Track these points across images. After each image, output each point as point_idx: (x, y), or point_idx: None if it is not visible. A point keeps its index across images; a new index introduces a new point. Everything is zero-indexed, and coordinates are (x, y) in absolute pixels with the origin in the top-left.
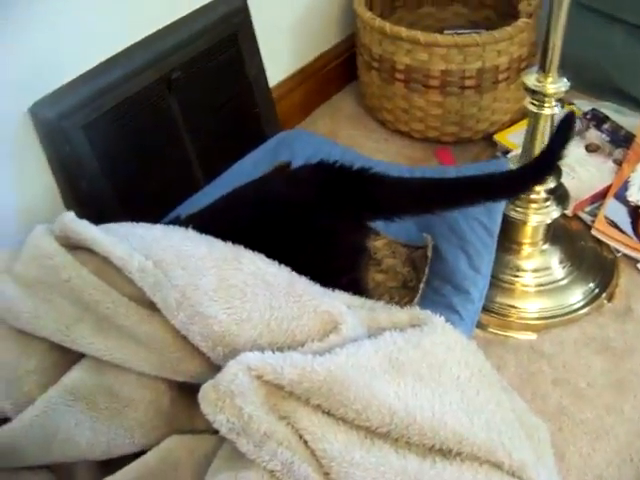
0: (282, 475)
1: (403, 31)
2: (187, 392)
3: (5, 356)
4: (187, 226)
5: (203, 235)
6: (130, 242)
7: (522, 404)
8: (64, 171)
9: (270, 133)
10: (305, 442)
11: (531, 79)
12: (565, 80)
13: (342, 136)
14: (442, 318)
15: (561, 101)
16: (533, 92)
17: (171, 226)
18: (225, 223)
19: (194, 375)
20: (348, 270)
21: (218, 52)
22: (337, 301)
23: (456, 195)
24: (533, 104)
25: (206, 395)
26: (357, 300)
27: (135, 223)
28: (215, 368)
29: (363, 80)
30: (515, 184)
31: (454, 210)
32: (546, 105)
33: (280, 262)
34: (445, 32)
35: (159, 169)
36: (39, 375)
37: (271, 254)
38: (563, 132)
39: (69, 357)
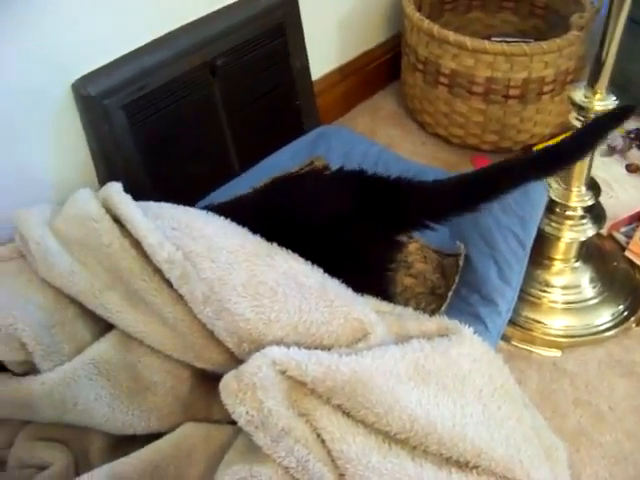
0: (296, 472)
1: (451, 35)
2: (207, 380)
3: (40, 300)
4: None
5: (239, 227)
6: (164, 227)
7: (542, 422)
8: (101, 148)
9: (309, 126)
10: (323, 441)
11: (578, 94)
12: (613, 98)
13: (380, 135)
14: (471, 329)
15: None
16: (579, 107)
17: (208, 214)
18: (256, 219)
19: (216, 364)
20: (376, 285)
21: (264, 41)
22: (368, 308)
23: (493, 185)
24: (578, 120)
25: (228, 385)
26: (386, 306)
27: (173, 205)
28: (237, 360)
29: (406, 81)
30: (549, 162)
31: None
32: None
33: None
34: (492, 39)
35: (196, 154)
36: (73, 326)
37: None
38: (615, 118)
39: (99, 323)
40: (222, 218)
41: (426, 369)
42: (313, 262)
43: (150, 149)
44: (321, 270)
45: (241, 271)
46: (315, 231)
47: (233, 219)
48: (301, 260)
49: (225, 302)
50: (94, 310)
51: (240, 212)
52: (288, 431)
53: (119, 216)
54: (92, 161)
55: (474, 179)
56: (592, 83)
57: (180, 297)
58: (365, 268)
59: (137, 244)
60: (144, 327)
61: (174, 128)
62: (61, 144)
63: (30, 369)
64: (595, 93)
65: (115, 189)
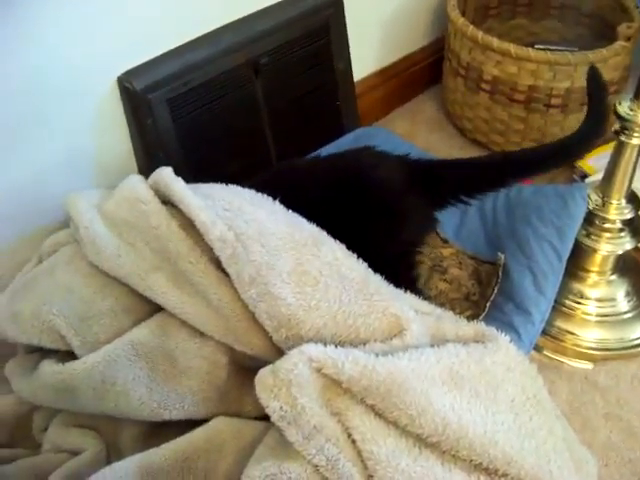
0: (326, 471)
1: (495, 41)
2: (242, 371)
3: (82, 292)
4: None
5: (290, 212)
6: (216, 207)
7: (573, 434)
8: (143, 141)
9: (349, 127)
10: (353, 442)
11: (623, 106)
12: None
13: (419, 139)
14: (507, 337)
15: None
16: (623, 120)
17: (257, 195)
18: (306, 184)
19: (254, 348)
20: (402, 259)
21: (308, 42)
22: (406, 306)
23: (524, 166)
24: (622, 132)
25: (263, 380)
26: (427, 306)
27: (223, 186)
28: (275, 347)
29: (447, 86)
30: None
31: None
32: (635, 135)
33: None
34: (535, 46)
35: (236, 150)
36: (110, 318)
37: (344, 219)
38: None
39: (140, 309)
40: (270, 201)
41: (460, 374)
42: (357, 221)
43: (191, 144)
44: (365, 264)
45: (288, 258)
46: (367, 194)
47: (293, 182)
48: (347, 252)
49: (270, 286)
50: (141, 292)
51: (300, 175)
52: (320, 429)
53: (170, 197)
54: (133, 153)
55: (507, 158)
56: (638, 95)
57: (226, 280)
58: (400, 239)
59: (185, 226)
60: (189, 308)
61: (215, 124)
62: (105, 135)
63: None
64: None
65: (166, 172)
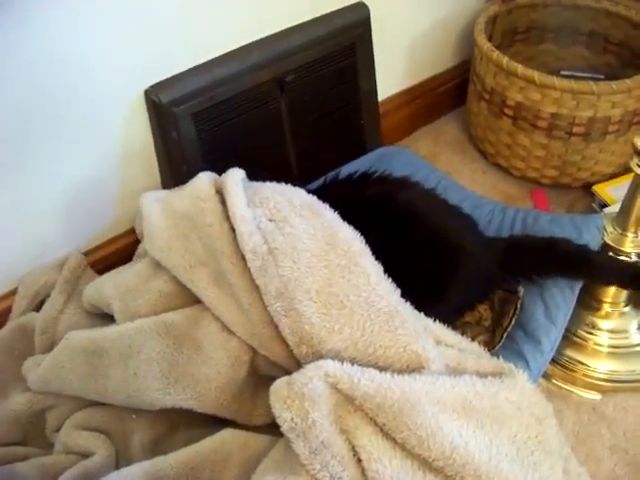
0: None
1: (520, 68)
2: (261, 376)
3: (138, 270)
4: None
5: (341, 224)
6: (263, 216)
7: (580, 469)
8: (167, 153)
9: (371, 146)
10: (359, 461)
11: None
12: None
13: (441, 160)
14: (524, 375)
15: None
16: None
17: (316, 204)
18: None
19: (276, 356)
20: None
21: (334, 61)
22: (429, 342)
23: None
24: (639, 165)
25: (278, 390)
26: (453, 338)
27: (288, 188)
28: (296, 358)
29: (471, 109)
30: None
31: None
32: None
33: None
34: (562, 72)
35: (259, 166)
36: (155, 297)
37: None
38: None
39: (184, 297)
40: (326, 210)
41: (472, 405)
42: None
43: (214, 158)
44: (398, 292)
45: (318, 277)
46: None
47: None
48: (382, 277)
49: (296, 302)
50: (184, 283)
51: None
52: (327, 445)
53: (225, 200)
54: (157, 165)
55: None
56: None
57: (258, 287)
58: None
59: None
60: (223, 307)
61: (239, 139)
62: (131, 146)
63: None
64: None
65: (232, 175)
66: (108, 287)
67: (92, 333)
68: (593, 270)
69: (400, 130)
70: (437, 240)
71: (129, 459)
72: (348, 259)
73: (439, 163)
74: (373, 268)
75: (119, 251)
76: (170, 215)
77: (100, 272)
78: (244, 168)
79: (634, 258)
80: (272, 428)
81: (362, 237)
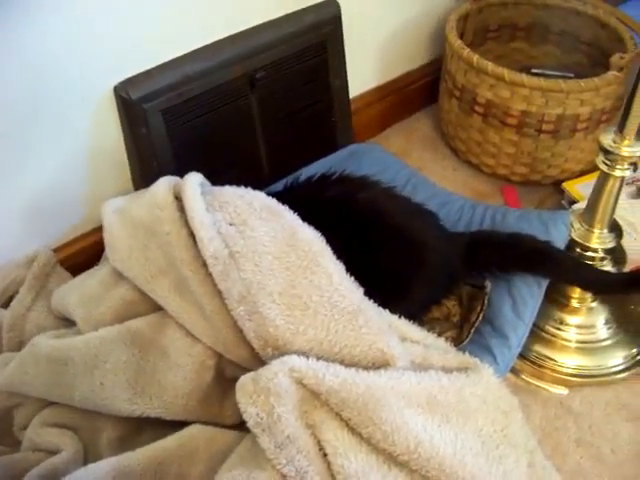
0: None
1: (490, 65)
2: (228, 379)
3: (101, 279)
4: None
5: (302, 225)
6: (223, 220)
7: (546, 462)
8: (137, 150)
9: (342, 143)
10: (325, 455)
11: (607, 138)
12: None
13: (413, 157)
14: (490, 369)
15: (634, 165)
16: (607, 152)
17: (276, 207)
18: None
19: (242, 360)
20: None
21: (305, 58)
22: (394, 340)
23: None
24: (605, 163)
25: (244, 386)
26: (419, 334)
27: (248, 192)
28: (262, 360)
29: (442, 106)
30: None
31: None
32: (618, 167)
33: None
34: (532, 70)
35: (229, 162)
36: (118, 304)
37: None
38: None
39: (147, 303)
40: (286, 212)
41: (437, 400)
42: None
43: (184, 154)
44: (361, 291)
45: (280, 279)
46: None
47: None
48: (344, 277)
49: (259, 305)
50: (146, 292)
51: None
52: (293, 440)
53: (184, 206)
54: (127, 161)
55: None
56: (622, 128)
57: (220, 293)
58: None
59: (194, 235)
60: (185, 314)
61: (209, 135)
62: (100, 142)
63: None
64: (624, 139)
65: (189, 180)
66: (72, 296)
67: (57, 342)
68: (555, 268)
69: (372, 127)
70: (399, 237)
71: (97, 456)
72: (309, 260)
73: (411, 160)
74: (335, 268)
75: (89, 248)
76: (129, 225)
77: (70, 269)
78: (214, 164)
79: (601, 254)
80: (241, 425)
81: (323, 237)
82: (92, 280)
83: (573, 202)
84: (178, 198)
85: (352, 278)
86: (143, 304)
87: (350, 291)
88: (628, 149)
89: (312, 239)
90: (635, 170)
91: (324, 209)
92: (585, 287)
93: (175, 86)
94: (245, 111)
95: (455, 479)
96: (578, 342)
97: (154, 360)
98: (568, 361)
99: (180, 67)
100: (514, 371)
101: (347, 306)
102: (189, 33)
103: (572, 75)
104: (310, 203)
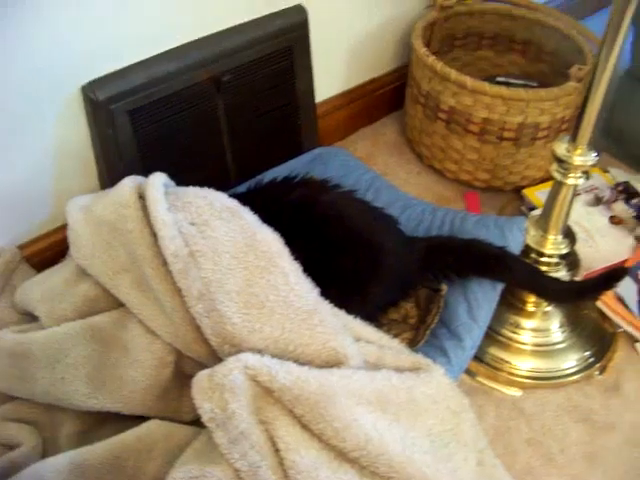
0: (246, 477)
1: (453, 73)
2: (186, 376)
3: (64, 275)
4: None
5: (261, 226)
6: (184, 220)
7: (496, 461)
8: (104, 150)
9: (307, 147)
10: (277, 450)
11: (561, 147)
12: (594, 154)
13: (378, 161)
14: (441, 370)
15: (587, 173)
16: (560, 160)
17: (236, 208)
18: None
19: (201, 356)
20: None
21: (271, 62)
22: (348, 339)
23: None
24: (558, 172)
25: (199, 382)
26: (373, 334)
27: (210, 192)
28: (220, 359)
29: (408, 112)
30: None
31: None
32: (570, 175)
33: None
34: (497, 79)
35: (195, 163)
36: (81, 301)
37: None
38: (606, 283)
39: (110, 301)
40: (246, 213)
41: (388, 399)
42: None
43: (151, 154)
44: (317, 291)
45: (238, 278)
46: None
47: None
48: (301, 277)
49: (217, 303)
50: (109, 290)
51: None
52: (246, 435)
53: (147, 206)
54: (95, 161)
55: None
56: (574, 138)
57: (180, 290)
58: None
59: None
60: (146, 311)
61: (176, 137)
62: (67, 141)
63: None
64: (576, 148)
65: (153, 181)
66: (35, 292)
67: (19, 336)
68: (510, 275)
69: (339, 131)
70: (357, 240)
71: (57, 450)
72: (267, 260)
73: (376, 164)
74: (291, 268)
75: (55, 245)
76: (94, 223)
77: (36, 265)
78: (180, 165)
79: (555, 259)
80: (199, 421)
81: (283, 239)
82: (56, 276)
83: (533, 208)
84: (142, 197)
85: (309, 279)
86: (105, 301)
87: (306, 291)
88: (580, 158)
89: (271, 240)
90: (587, 179)
91: (285, 212)
92: (538, 294)
93: (142, 88)
94: (211, 114)
95: (404, 475)
96: (533, 345)
97: (115, 355)
98: (523, 364)
99: (147, 69)
100: (470, 373)
101: (302, 305)
102: (157, 36)
103: (536, 84)
104: (272, 205)
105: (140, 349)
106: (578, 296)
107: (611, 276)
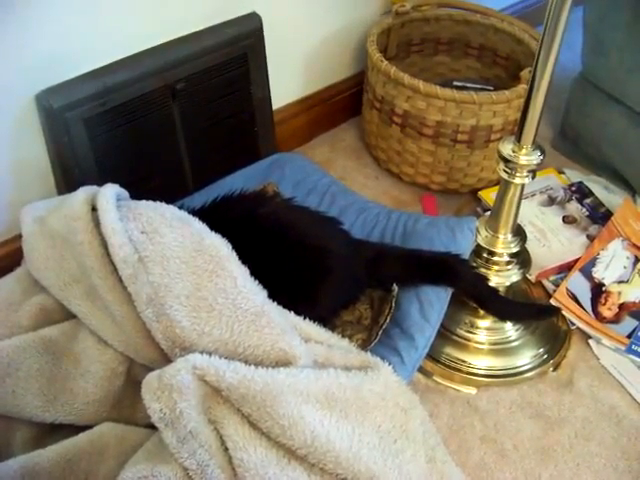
0: (195, 475)
1: (406, 78)
2: (139, 383)
3: (21, 285)
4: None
5: (208, 233)
6: (135, 229)
7: (447, 457)
8: (60, 158)
9: (265, 153)
10: (226, 449)
11: (506, 148)
12: (538, 153)
13: (336, 166)
14: (389, 368)
15: (533, 172)
16: (506, 160)
17: (184, 216)
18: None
19: (153, 362)
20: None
21: (226, 70)
22: (297, 340)
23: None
24: (505, 172)
25: (149, 383)
26: (323, 334)
27: (160, 205)
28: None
29: (365, 117)
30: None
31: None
32: (517, 175)
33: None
34: (455, 83)
35: (151, 171)
36: (36, 310)
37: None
38: (538, 315)
39: (61, 312)
40: (193, 221)
41: (335, 396)
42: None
43: (107, 162)
44: (265, 293)
45: (187, 282)
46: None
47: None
48: (248, 280)
49: (166, 307)
50: (60, 301)
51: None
52: (195, 435)
53: (98, 215)
54: (51, 169)
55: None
56: (519, 138)
57: (129, 299)
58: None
59: (105, 245)
60: (96, 321)
61: (132, 145)
62: (22, 152)
63: None
64: (521, 148)
65: (104, 192)
66: None
67: None
68: (456, 281)
69: (297, 137)
70: (302, 246)
71: (10, 456)
72: (215, 264)
73: (334, 169)
74: (239, 271)
75: (11, 254)
76: (47, 236)
77: None
78: (137, 173)
79: (506, 258)
80: (153, 424)
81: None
82: (11, 285)
83: (488, 209)
84: (95, 209)
85: (256, 281)
86: (59, 312)
87: (253, 293)
88: (526, 158)
89: (218, 244)
90: (534, 178)
91: (229, 229)
92: (478, 303)
93: (97, 96)
94: (167, 121)
95: (351, 472)
96: (489, 344)
97: (66, 367)
98: (479, 362)
99: (101, 77)
100: (426, 373)
101: (250, 307)
102: (111, 44)
103: (492, 87)
104: (217, 225)
105: (91, 360)
106: (510, 315)
107: (545, 310)
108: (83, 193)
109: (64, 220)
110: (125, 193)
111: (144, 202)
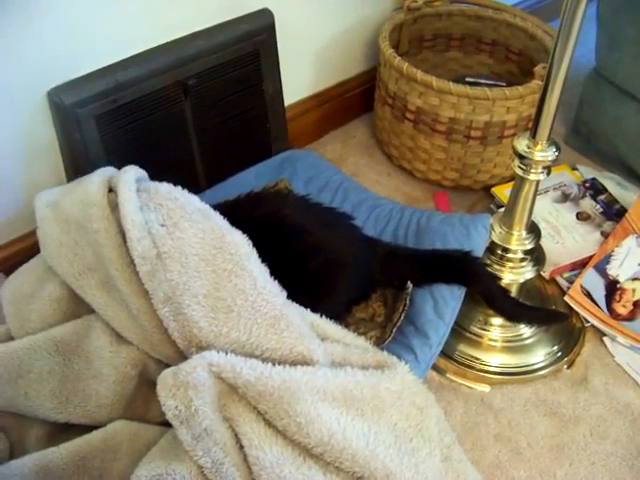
0: (210, 473)
1: (419, 74)
2: (152, 384)
3: (36, 274)
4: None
5: (230, 229)
6: (155, 221)
7: (462, 456)
8: (71, 155)
9: (277, 149)
10: (241, 447)
11: (521, 144)
12: (554, 149)
13: (348, 162)
14: (406, 367)
15: (548, 169)
16: (521, 157)
17: (206, 210)
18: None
19: (169, 358)
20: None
21: (238, 66)
22: (315, 342)
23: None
24: (520, 168)
25: (164, 379)
26: (339, 333)
27: (183, 194)
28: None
29: (377, 113)
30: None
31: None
32: (532, 171)
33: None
34: (467, 78)
35: (163, 168)
36: (46, 300)
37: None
38: (547, 319)
39: (74, 303)
40: (215, 216)
41: (352, 395)
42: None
43: (118, 159)
44: (284, 294)
45: (206, 281)
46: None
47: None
48: (268, 280)
49: (184, 307)
50: (74, 290)
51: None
52: (210, 432)
53: (118, 203)
54: (63, 166)
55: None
56: (534, 134)
57: (146, 293)
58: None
59: (123, 233)
60: (112, 313)
61: (143, 141)
62: (34, 148)
63: None
64: (536, 144)
65: (125, 177)
66: (5, 290)
67: None
68: (472, 281)
69: (309, 134)
70: (318, 244)
71: (25, 453)
72: (235, 263)
73: (346, 166)
74: (259, 271)
75: (26, 249)
76: (62, 221)
77: (5, 271)
78: (148, 170)
79: (520, 255)
80: (166, 421)
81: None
82: (27, 276)
83: (502, 206)
84: (112, 191)
85: (276, 282)
86: (73, 303)
87: (273, 295)
88: (541, 154)
89: (239, 242)
90: (549, 174)
91: (252, 228)
92: (487, 302)
93: (108, 92)
94: (179, 118)
95: (367, 470)
96: (503, 341)
97: (78, 367)
98: (492, 360)
99: (113, 74)
100: (439, 370)
101: (270, 310)
102: (122, 41)
103: (504, 83)
104: (238, 223)
105: (104, 363)
106: (519, 318)
107: (554, 315)
108: (99, 177)
109: (79, 205)
110: (144, 174)
111: (166, 187)
